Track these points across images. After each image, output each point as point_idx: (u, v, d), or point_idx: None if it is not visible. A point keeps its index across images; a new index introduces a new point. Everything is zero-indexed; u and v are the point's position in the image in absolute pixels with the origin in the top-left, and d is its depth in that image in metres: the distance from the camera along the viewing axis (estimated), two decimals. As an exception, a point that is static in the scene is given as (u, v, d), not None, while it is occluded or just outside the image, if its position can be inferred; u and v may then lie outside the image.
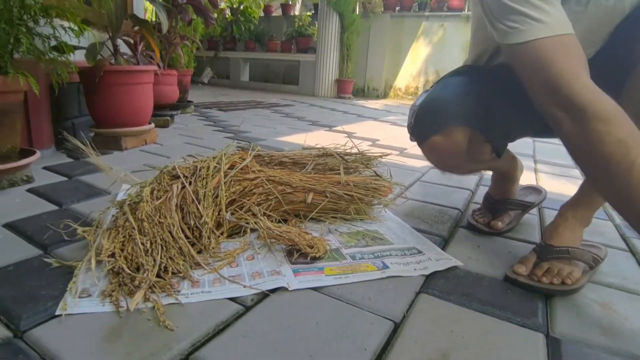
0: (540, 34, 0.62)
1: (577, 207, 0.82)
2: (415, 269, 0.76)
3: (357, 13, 5.51)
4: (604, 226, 1.10)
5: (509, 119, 0.87)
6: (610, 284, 0.78)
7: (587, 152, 0.61)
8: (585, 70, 0.62)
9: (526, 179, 1.39)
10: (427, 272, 0.76)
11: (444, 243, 0.92)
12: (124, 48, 1.89)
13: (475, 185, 1.41)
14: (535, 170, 1.75)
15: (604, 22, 0.72)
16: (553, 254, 0.76)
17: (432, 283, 0.73)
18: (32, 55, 1.13)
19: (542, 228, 1.05)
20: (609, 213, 1.21)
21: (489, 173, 1.56)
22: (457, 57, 5.14)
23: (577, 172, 1.78)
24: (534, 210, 1.15)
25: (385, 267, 0.77)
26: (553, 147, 2.29)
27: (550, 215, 1.10)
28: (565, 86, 0.60)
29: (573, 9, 0.70)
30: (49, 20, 1.16)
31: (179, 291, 0.65)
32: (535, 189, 1.19)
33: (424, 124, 0.85)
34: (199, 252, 0.76)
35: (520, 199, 1.07)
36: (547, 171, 1.76)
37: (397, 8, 5.68)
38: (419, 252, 0.84)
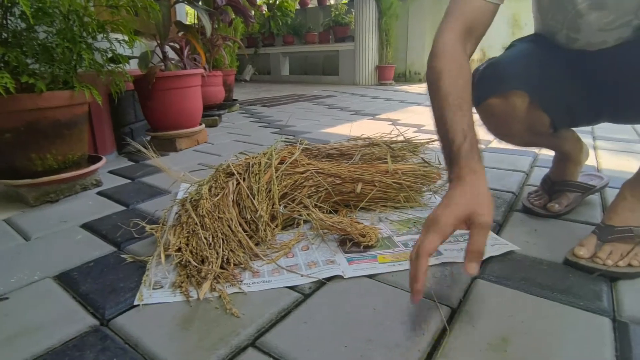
0: None
1: (636, 186, 0.77)
2: (469, 255, 0.76)
3: (395, -4, 5.39)
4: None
5: (573, 98, 0.86)
6: (683, 264, 0.74)
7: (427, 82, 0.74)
8: (458, 25, 0.73)
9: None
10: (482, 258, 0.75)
11: (498, 228, 0.90)
12: (170, 54, 1.99)
13: (529, 167, 1.36)
14: (595, 148, 1.65)
15: None
16: (614, 234, 0.73)
17: (489, 268, 0.73)
18: (93, 69, 1.22)
19: (604, 209, 1.00)
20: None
21: (544, 153, 1.50)
22: (504, 32, 4.92)
23: (642, 146, 1.67)
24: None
25: (439, 253, 0.77)
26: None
27: (613, 195, 1.05)
28: (440, 32, 0.74)
29: None
30: (105, 35, 1.24)
31: (241, 281, 0.69)
32: (597, 176, 1.13)
33: (484, 85, 0.86)
34: (257, 244, 0.80)
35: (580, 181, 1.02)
36: (608, 148, 1.66)
37: (436, -13, 5.49)
38: (473, 237, 0.83)
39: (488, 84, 0.85)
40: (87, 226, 0.97)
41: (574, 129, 1.03)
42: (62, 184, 1.16)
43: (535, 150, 1.55)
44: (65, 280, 0.73)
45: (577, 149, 1.03)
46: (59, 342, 0.57)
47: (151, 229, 0.84)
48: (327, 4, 6.50)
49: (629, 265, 0.69)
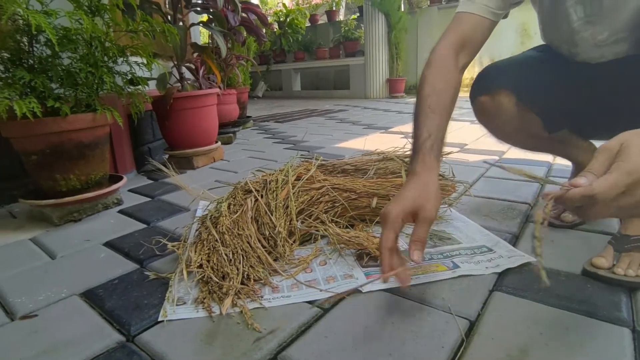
0: (460, 9, 0.84)
1: None
2: (486, 267, 0.76)
3: (403, 10, 5.45)
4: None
5: (573, 104, 0.90)
6: None
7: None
8: (453, 38, 0.82)
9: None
10: (499, 270, 0.75)
11: (514, 239, 0.90)
12: (186, 74, 2.05)
13: (544, 177, 1.36)
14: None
15: (615, 9, 0.75)
16: (631, 243, 0.73)
17: (506, 280, 0.73)
18: (114, 92, 1.27)
19: (621, 219, 0.99)
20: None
21: (559, 162, 1.49)
22: (512, 41, 4.91)
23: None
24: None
25: (456, 266, 0.77)
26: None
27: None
28: (436, 44, 0.83)
29: None
30: (125, 58, 1.30)
31: (261, 296, 0.71)
32: None
33: (476, 85, 0.95)
34: (275, 259, 0.81)
35: None
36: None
37: (444, 0, 5.55)
38: (489, 250, 0.83)
39: (479, 83, 0.94)
40: (110, 244, 1.00)
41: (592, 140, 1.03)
42: (85, 203, 1.20)
43: (550, 160, 1.55)
44: (91, 297, 0.76)
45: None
46: (87, 358, 0.59)
47: (173, 246, 0.86)
48: (337, 19, 6.60)
49: (649, 275, 0.69)
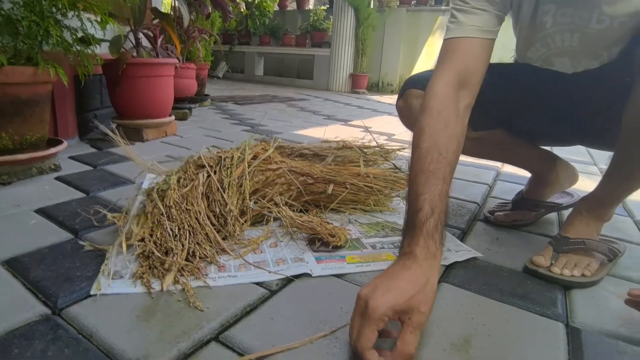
0: (450, 35, 0.71)
1: (591, 203, 0.82)
2: (435, 259, 0.77)
3: (373, 7, 5.47)
4: (622, 222, 1.09)
5: (495, 102, 0.89)
6: (629, 277, 0.78)
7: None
8: (450, 74, 0.68)
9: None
10: (446, 263, 0.77)
11: (462, 235, 0.93)
12: (143, 42, 1.93)
13: (492, 180, 1.41)
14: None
15: (598, 40, 0.74)
16: (569, 245, 0.77)
17: (452, 273, 0.75)
18: (60, 48, 1.16)
19: (559, 223, 1.05)
20: (628, 209, 1.20)
21: (508, 170, 1.56)
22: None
23: (595, 168, 1.76)
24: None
25: (406, 256, 0.78)
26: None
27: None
28: (430, 82, 0.69)
29: (558, 20, 0.76)
30: (76, 13, 1.19)
31: (206, 275, 0.67)
32: (568, 194, 1.14)
33: (399, 93, 0.95)
34: (224, 238, 0.78)
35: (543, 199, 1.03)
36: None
37: (413, 2, 5.63)
38: (439, 243, 0.85)
39: (400, 91, 0.94)
40: (42, 211, 0.92)
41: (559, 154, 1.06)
42: (17, 165, 1.09)
43: (499, 165, 1.61)
44: (15, 266, 0.69)
45: (546, 170, 1.04)
46: (4, 331, 0.53)
47: (113, 217, 0.80)
48: (306, 8, 6.52)
49: (582, 275, 0.73)
